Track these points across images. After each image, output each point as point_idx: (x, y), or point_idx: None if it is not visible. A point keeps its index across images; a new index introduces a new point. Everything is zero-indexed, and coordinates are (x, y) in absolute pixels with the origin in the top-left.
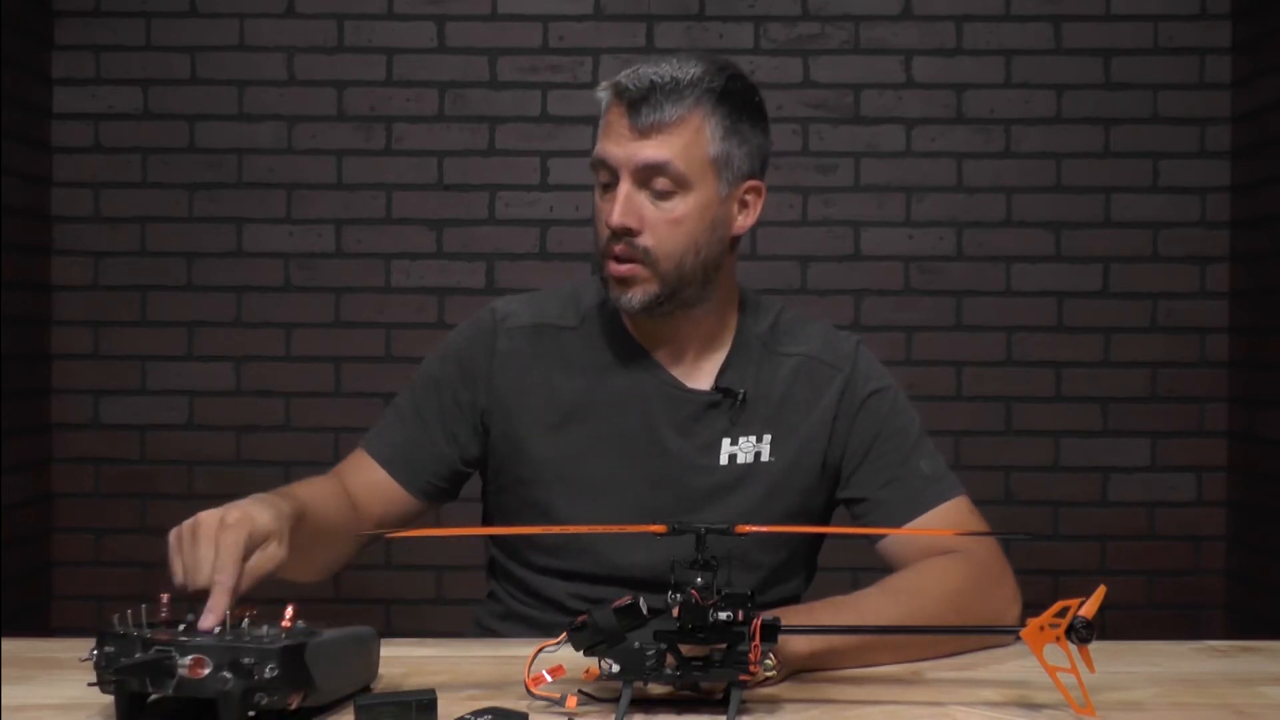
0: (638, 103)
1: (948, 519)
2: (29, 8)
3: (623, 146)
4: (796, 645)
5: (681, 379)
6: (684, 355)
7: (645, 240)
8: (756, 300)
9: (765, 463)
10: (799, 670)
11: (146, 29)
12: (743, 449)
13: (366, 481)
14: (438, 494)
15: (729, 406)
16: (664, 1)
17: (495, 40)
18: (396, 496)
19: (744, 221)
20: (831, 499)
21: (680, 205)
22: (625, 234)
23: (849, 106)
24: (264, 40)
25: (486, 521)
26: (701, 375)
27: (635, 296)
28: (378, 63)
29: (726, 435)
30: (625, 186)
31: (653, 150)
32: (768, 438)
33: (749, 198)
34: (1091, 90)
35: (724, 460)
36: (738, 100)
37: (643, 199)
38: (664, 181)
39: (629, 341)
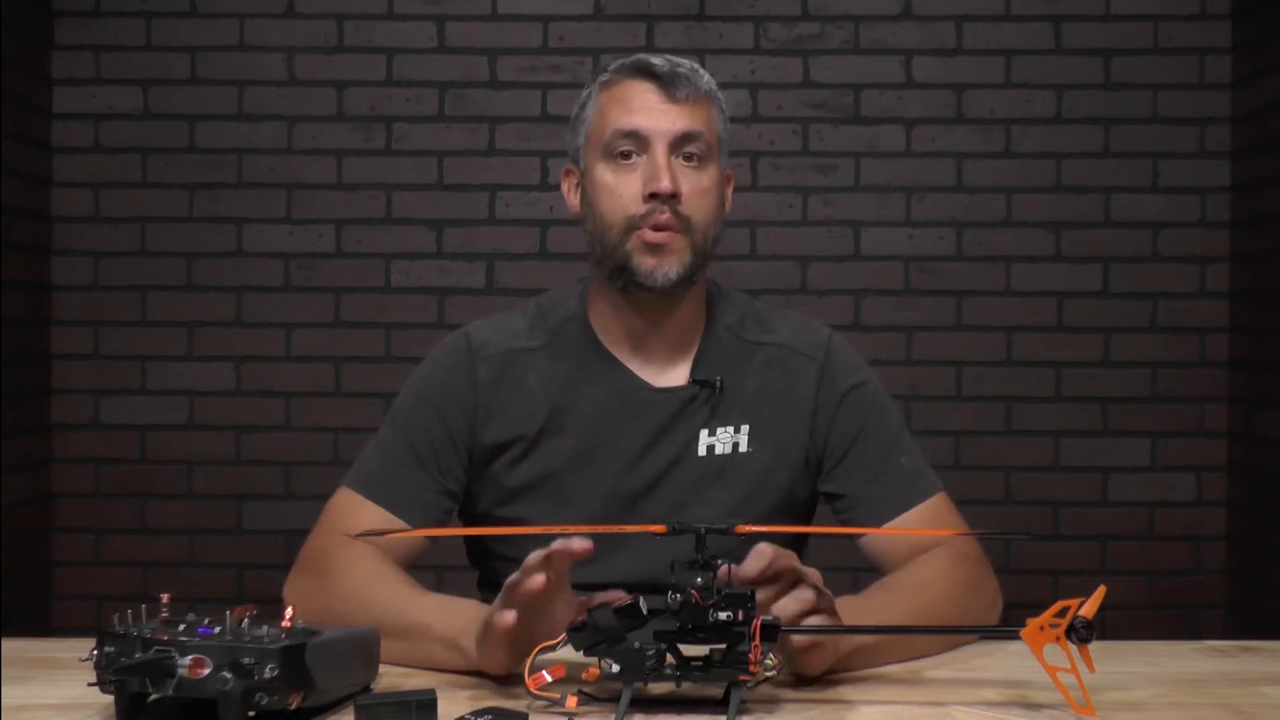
0: (672, 78)
1: (929, 516)
2: (29, 8)
3: (657, 118)
4: (846, 642)
5: (654, 381)
6: (657, 356)
7: (684, 208)
8: (724, 293)
9: (744, 454)
10: (837, 667)
11: (146, 29)
12: (720, 439)
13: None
14: (437, 526)
15: (707, 397)
16: (664, 1)
17: (495, 40)
18: (408, 540)
19: (728, 205)
20: (814, 493)
21: (706, 175)
22: (669, 200)
23: (849, 106)
24: (264, 40)
25: (471, 548)
26: (675, 373)
27: (673, 268)
28: (378, 63)
29: (704, 427)
30: (662, 156)
31: (689, 119)
32: (745, 428)
33: (726, 185)
34: (1091, 90)
35: (702, 451)
36: (722, 98)
37: (676, 167)
38: (696, 148)
39: (600, 351)
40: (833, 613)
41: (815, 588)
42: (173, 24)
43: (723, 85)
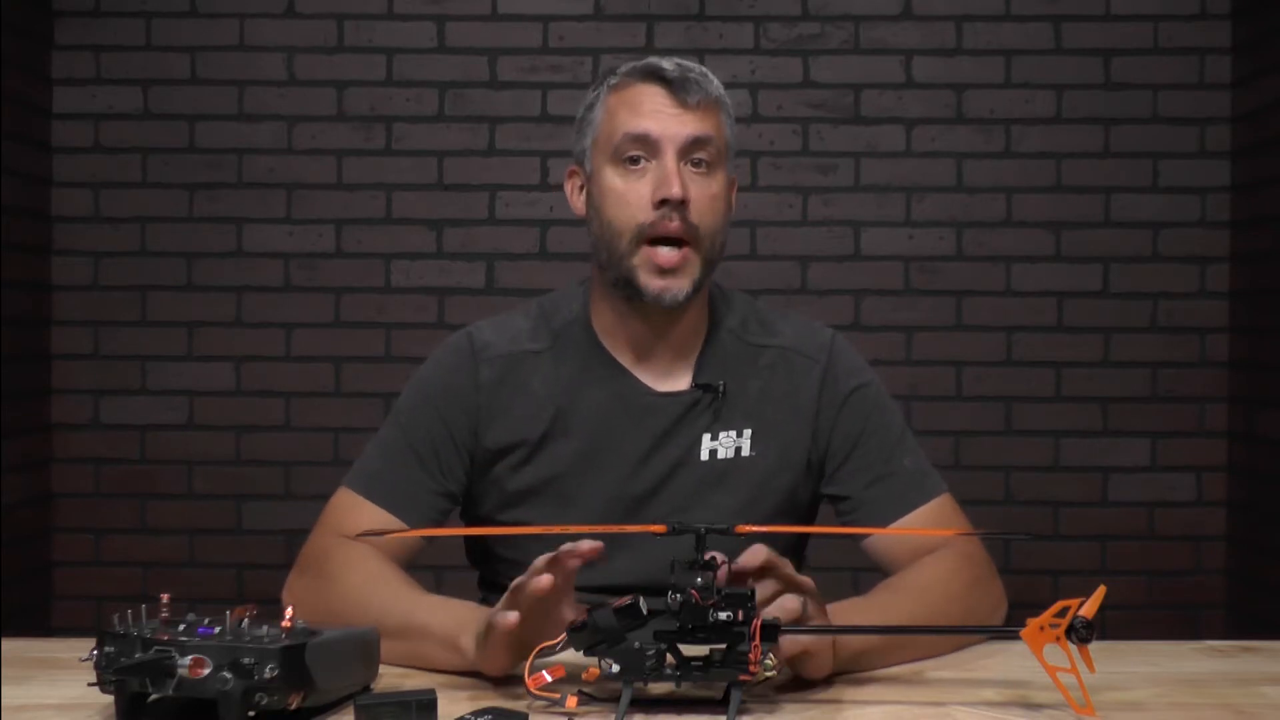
0: (683, 83)
1: (934, 517)
2: (29, 8)
3: (667, 122)
4: (851, 644)
5: (657, 386)
6: (660, 361)
7: (693, 215)
8: (726, 295)
9: (747, 458)
10: (841, 669)
11: (146, 29)
12: (723, 444)
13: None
14: (436, 526)
15: (710, 402)
16: (664, 1)
17: (495, 40)
18: (407, 540)
19: (733, 209)
20: (817, 493)
21: (714, 182)
22: (679, 207)
23: (849, 106)
24: (264, 40)
25: (471, 549)
26: (678, 378)
27: (682, 289)
28: (378, 63)
29: (707, 431)
30: (672, 161)
31: (700, 125)
32: (748, 432)
33: (731, 190)
34: (1091, 90)
35: (705, 456)
36: (729, 103)
37: (685, 173)
38: (706, 155)
39: (603, 355)
40: (807, 593)
41: (805, 597)
42: (173, 24)
43: (723, 85)
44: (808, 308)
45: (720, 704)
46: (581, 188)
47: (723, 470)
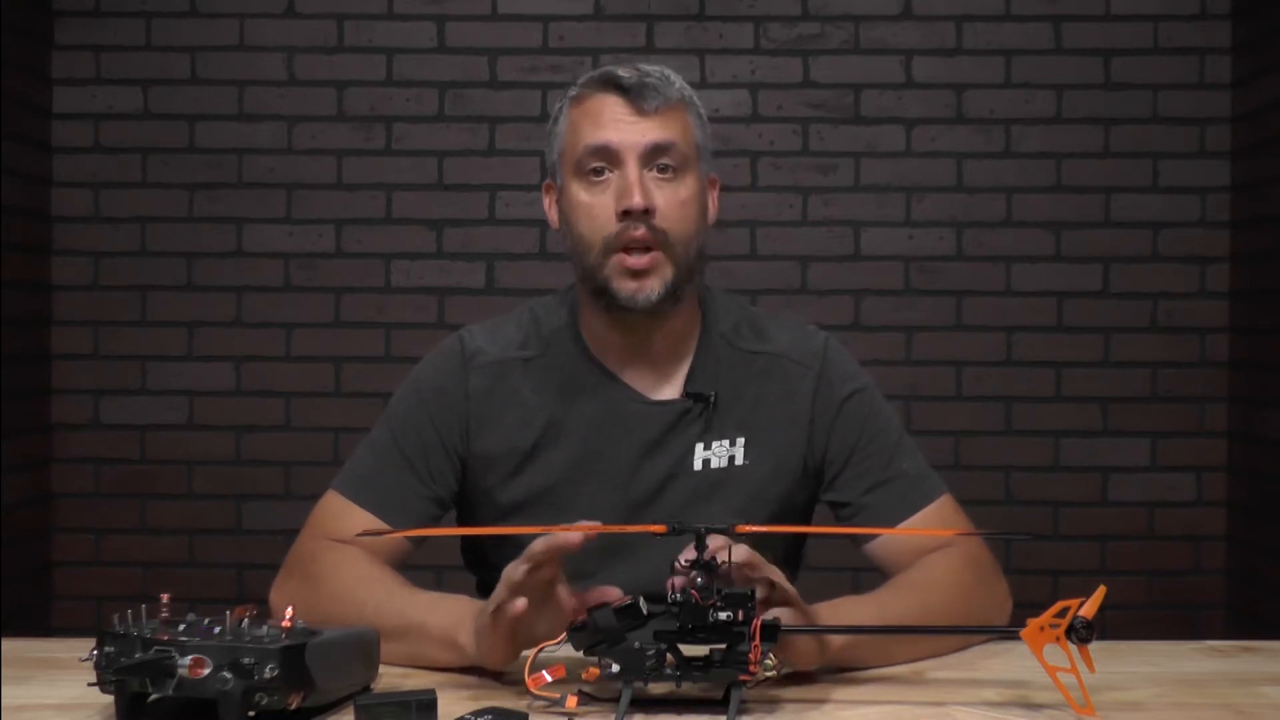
0: (640, 90)
1: (935, 519)
2: (29, 8)
3: (626, 131)
4: (834, 634)
5: (649, 393)
6: (650, 368)
7: (660, 222)
8: (716, 298)
9: (740, 466)
10: (833, 662)
11: (146, 29)
12: (716, 453)
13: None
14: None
15: (701, 411)
16: (664, 1)
17: (495, 40)
18: (394, 543)
19: (712, 212)
20: (814, 497)
21: (683, 187)
22: (643, 216)
23: (849, 106)
24: (264, 40)
25: (467, 557)
26: (669, 385)
27: (654, 290)
28: (378, 63)
29: (699, 440)
30: (634, 171)
31: (660, 131)
32: (741, 441)
33: (711, 190)
34: (1091, 90)
35: (698, 465)
36: (698, 102)
37: (650, 181)
38: (670, 160)
39: (593, 363)
40: (790, 604)
41: (784, 596)
42: (173, 24)
43: (723, 85)
44: (808, 308)
45: (720, 704)
46: (556, 202)
47: (716, 479)
